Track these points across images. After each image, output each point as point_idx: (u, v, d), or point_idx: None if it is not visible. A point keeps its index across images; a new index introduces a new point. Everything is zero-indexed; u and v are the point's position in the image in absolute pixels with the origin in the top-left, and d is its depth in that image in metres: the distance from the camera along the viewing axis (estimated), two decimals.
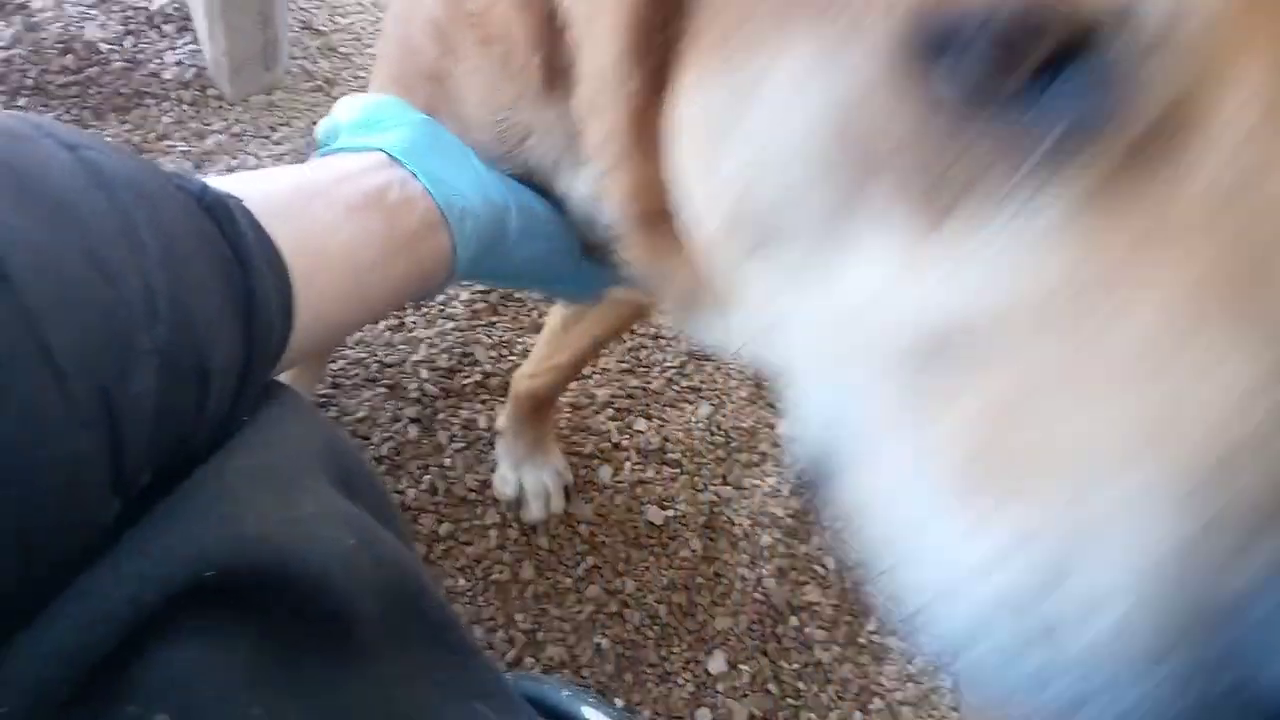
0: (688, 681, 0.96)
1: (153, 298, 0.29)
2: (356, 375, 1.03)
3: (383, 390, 1.04)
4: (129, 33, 1.09)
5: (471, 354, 1.07)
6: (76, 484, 0.26)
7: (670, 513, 1.06)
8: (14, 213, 0.26)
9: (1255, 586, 0.19)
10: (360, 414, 1.01)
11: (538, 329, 1.10)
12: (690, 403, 1.12)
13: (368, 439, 0.99)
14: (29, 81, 1.05)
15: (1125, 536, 0.21)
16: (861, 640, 1.05)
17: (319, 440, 0.38)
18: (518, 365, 1.07)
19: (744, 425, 1.13)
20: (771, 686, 0.98)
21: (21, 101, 1.05)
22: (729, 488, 1.09)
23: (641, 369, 1.12)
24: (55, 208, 0.28)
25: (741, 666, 1.00)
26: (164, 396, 0.29)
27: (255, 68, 1.08)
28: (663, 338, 1.14)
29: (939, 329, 0.25)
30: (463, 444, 1.03)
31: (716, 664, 0.99)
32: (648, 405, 1.11)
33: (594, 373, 1.11)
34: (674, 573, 1.03)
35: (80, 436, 0.26)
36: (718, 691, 0.96)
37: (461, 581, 0.96)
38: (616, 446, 1.08)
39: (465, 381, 1.06)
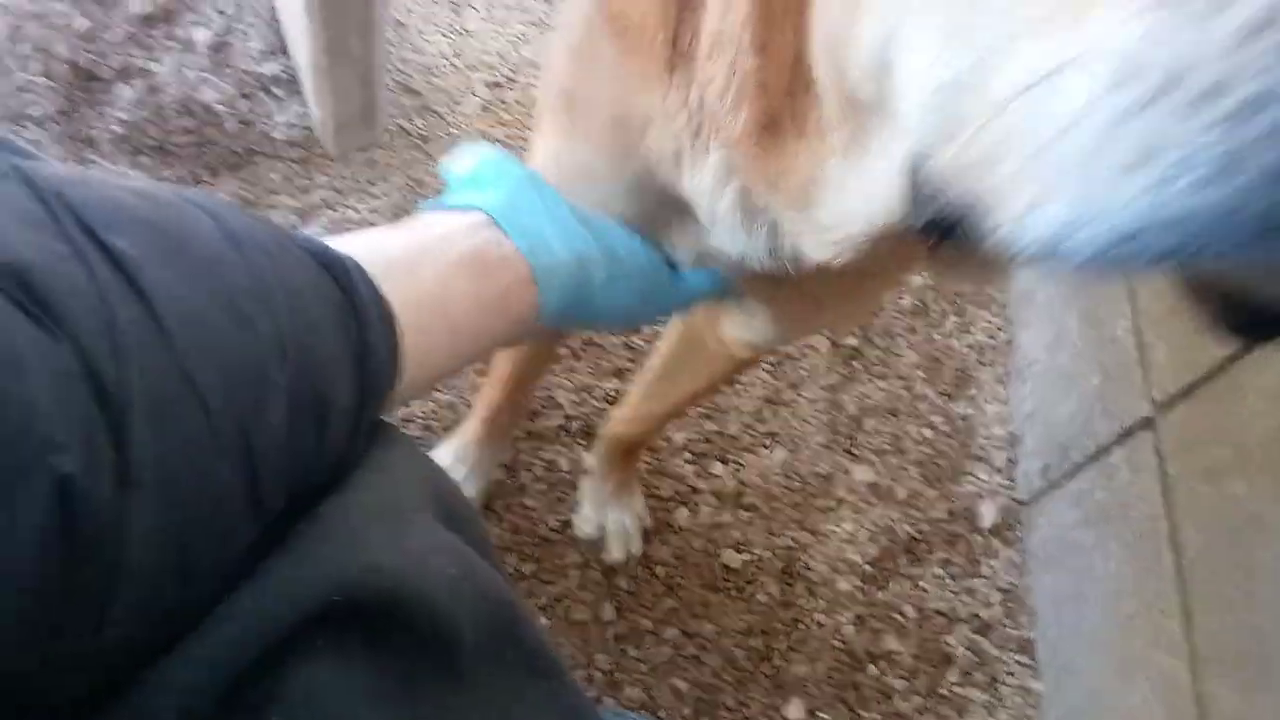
0: None
1: (281, 342, 0.33)
2: (446, 418, 1.07)
3: None
4: (242, 95, 1.17)
5: (554, 397, 1.11)
6: (222, 511, 0.30)
7: (746, 557, 1.07)
8: (166, 270, 0.30)
9: None
10: None
11: (618, 373, 1.13)
12: (766, 447, 1.13)
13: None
14: (150, 141, 1.14)
15: None
16: (943, 691, 1.03)
17: (425, 478, 0.41)
18: (598, 409, 1.10)
19: (820, 470, 1.13)
20: None
21: (144, 159, 1.13)
22: (805, 533, 1.10)
23: (719, 414, 1.14)
24: (199, 265, 0.31)
25: (821, 715, 0.99)
26: (291, 430, 0.33)
27: (356, 126, 1.16)
28: (740, 383, 1.15)
29: None
30: (545, 485, 1.06)
31: (795, 711, 0.99)
32: (724, 450, 1.12)
33: None
34: (751, 617, 1.04)
35: (225, 467, 0.30)
36: None
37: (543, 620, 0.98)
38: (693, 490, 1.09)
39: (547, 424, 1.10)
